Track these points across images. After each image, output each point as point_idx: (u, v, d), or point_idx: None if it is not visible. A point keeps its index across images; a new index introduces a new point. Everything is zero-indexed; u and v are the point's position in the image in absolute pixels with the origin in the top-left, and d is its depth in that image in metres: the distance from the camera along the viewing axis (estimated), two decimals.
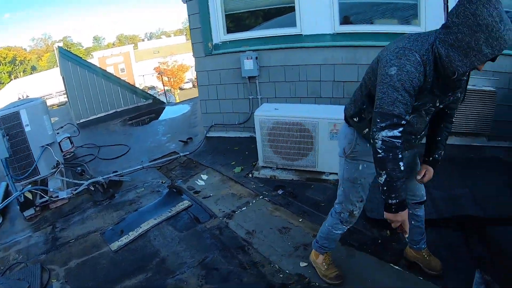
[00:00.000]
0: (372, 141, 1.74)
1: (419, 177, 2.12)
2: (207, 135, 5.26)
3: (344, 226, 2.35)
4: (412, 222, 2.28)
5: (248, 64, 4.78)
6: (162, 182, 4.24)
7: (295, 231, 3.02)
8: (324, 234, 2.46)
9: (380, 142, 1.69)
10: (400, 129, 1.68)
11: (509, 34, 1.42)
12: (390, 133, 1.67)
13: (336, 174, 2.58)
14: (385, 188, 1.77)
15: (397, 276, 2.56)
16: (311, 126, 3.64)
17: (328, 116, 3.63)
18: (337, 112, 3.66)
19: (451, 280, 2.48)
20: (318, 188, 3.63)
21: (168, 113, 7.80)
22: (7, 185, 4.54)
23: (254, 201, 3.55)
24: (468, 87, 4.14)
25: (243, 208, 3.43)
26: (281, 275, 2.60)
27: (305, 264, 2.68)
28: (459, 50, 1.53)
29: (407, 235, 2.00)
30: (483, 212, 3.00)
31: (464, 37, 1.48)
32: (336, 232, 2.40)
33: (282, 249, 2.85)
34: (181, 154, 4.81)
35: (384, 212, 1.85)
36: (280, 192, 3.67)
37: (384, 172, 1.74)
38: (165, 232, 3.21)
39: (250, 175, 4.05)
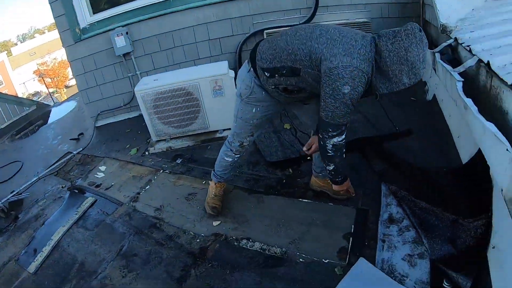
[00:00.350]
0: (321, 142, 2.03)
1: (305, 149, 2.34)
2: (96, 125, 4.98)
3: (234, 155, 2.55)
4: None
5: (120, 41, 4.52)
6: (62, 187, 3.97)
7: (201, 194, 3.04)
8: (218, 160, 2.67)
9: (330, 146, 1.99)
10: (345, 131, 1.97)
11: (423, 72, 1.74)
12: (340, 138, 1.97)
13: (230, 129, 2.64)
14: (333, 173, 2.21)
15: (308, 207, 2.70)
16: (193, 88, 3.61)
17: (207, 75, 3.61)
18: (216, 69, 3.69)
19: (360, 199, 2.67)
20: (215, 147, 3.65)
21: (55, 115, 7.23)
22: None
23: (155, 177, 3.49)
24: (342, 21, 4.37)
25: (147, 187, 3.37)
26: (198, 240, 2.63)
27: (218, 222, 2.73)
28: (384, 74, 1.77)
29: (353, 194, 2.60)
30: (376, 131, 3.29)
31: (392, 65, 1.72)
32: (227, 159, 2.61)
33: (193, 215, 2.87)
34: (74, 152, 4.53)
35: (333, 185, 2.40)
36: (178, 161, 3.65)
37: (332, 163, 2.13)
38: (77, 236, 3.05)
39: (146, 153, 3.96)
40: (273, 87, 2.09)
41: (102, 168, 3.97)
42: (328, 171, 2.23)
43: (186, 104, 3.69)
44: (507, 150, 1.33)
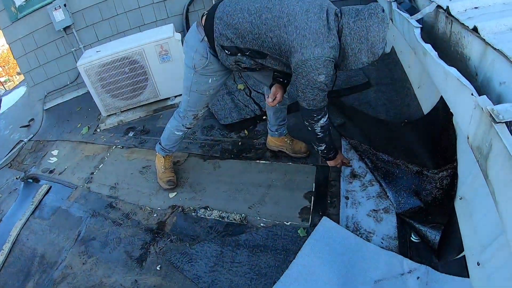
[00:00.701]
0: (309, 128, 2.02)
1: (270, 100, 2.14)
2: (45, 108, 4.69)
3: (186, 129, 2.40)
4: (277, 105, 2.31)
5: (59, 15, 4.16)
6: (16, 178, 3.74)
7: (155, 166, 2.88)
8: (166, 135, 2.50)
9: (319, 128, 1.99)
10: (327, 109, 1.95)
11: (382, 51, 1.72)
12: (325, 118, 1.97)
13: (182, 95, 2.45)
14: (325, 151, 2.17)
15: (266, 169, 2.63)
16: (137, 55, 3.38)
17: (151, 40, 3.39)
18: (160, 33, 3.46)
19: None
20: (167, 115, 3.45)
21: (6, 104, 6.78)
22: None
23: (108, 154, 3.31)
24: None
25: (100, 166, 3.20)
26: (155, 215, 2.54)
27: (174, 193, 2.62)
28: (343, 51, 1.74)
29: (351, 165, 2.48)
30: (334, 85, 3.12)
31: (352, 43, 1.69)
32: (178, 133, 2.45)
33: (149, 189, 2.75)
34: (25, 140, 4.27)
35: (328, 162, 2.31)
36: (131, 134, 3.47)
37: (323, 143, 2.10)
38: (35, 227, 2.89)
39: (98, 130, 3.75)
40: (233, 64, 1.97)
41: (55, 152, 3.75)
42: (319, 152, 2.21)
43: (133, 74, 3.47)
44: (472, 94, 1.23)
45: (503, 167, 1.00)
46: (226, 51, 1.90)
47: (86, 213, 2.75)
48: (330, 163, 2.32)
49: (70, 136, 3.89)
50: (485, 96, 1.17)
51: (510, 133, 1.01)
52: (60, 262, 2.46)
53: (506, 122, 1.04)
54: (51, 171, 3.48)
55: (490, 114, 1.07)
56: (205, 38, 1.95)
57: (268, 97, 2.15)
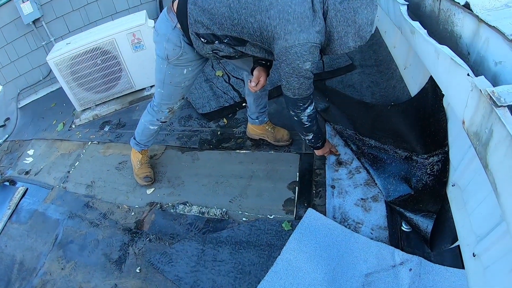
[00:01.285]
0: (295, 118, 1.91)
1: (253, 84, 1.97)
2: (19, 106, 4.52)
3: (161, 123, 2.27)
4: (258, 92, 2.19)
5: (27, 8, 3.95)
6: None
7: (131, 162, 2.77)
8: (140, 130, 2.38)
9: (306, 117, 1.88)
10: (313, 97, 1.84)
11: (369, 35, 1.60)
12: (312, 107, 1.86)
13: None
14: (312, 141, 2.08)
15: (247, 159, 2.52)
16: (109, 46, 3.20)
17: (123, 28, 3.21)
18: (132, 21, 3.32)
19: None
20: (143, 106, 3.33)
21: None
22: None
23: (84, 151, 3.17)
24: None
25: (76, 164, 3.06)
26: (133, 213, 2.42)
27: (152, 189, 2.51)
28: (328, 35, 1.61)
29: (339, 154, 2.38)
30: (316, 68, 3.04)
31: (338, 26, 1.56)
32: (152, 128, 2.32)
33: (126, 186, 2.63)
34: (0, 141, 4.11)
35: (315, 151, 2.23)
36: (106, 129, 3.33)
37: (310, 133, 2.01)
38: (12, 233, 2.77)
39: (73, 126, 3.60)
40: (210, 52, 1.82)
41: (30, 152, 3.59)
42: (307, 141, 2.13)
43: (105, 65, 3.30)
44: (468, 75, 1.13)
45: (507, 156, 0.90)
46: (202, 39, 1.74)
47: (63, 215, 2.63)
48: (317, 152, 2.23)
49: (46, 134, 3.73)
50: (482, 76, 1.08)
51: None
52: (39, 269, 2.35)
53: (508, 106, 0.94)
54: (27, 172, 3.34)
55: (490, 97, 0.97)
56: (178, 25, 1.78)
57: (250, 82, 1.98)
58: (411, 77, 2.47)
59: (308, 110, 1.85)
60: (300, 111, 1.85)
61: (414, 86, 2.38)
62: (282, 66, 1.62)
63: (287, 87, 1.72)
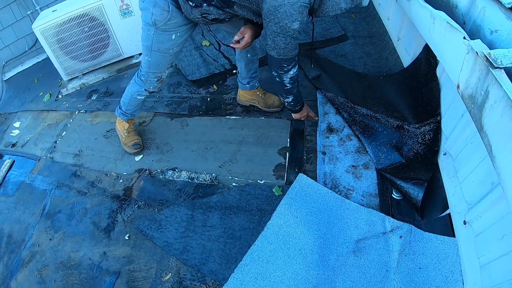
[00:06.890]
0: (277, 79, 1.87)
1: (236, 38, 1.91)
2: (4, 78, 4.40)
3: (149, 93, 2.21)
4: (248, 55, 2.19)
5: None
6: None
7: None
8: (127, 100, 2.31)
9: (288, 79, 1.85)
10: (297, 59, 1.81)
11: None
12: (295, 69, 1.83)
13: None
14: (292, 103, 2.05)
15: (237, 125, 2.48)
16: (97, 12, 3.09)
17: None
18: None
19: None
20: (132, 74, 3.22)
21: None
22: None
23: (71, 120, 3.10)
24: None
25: (63, 133, 2.99)
26: (121, 180, 2.38)
27: (140, 156, 2.46)
28: None
29: (316, 118, 2.33)
30: (308, 37, 3.01)
31: None
32: (140, 97, 2.27)
33: (114, 153, 2.58)
34: None
35: (292, 114, 2.20)
36: (94, 97, 3.25)
37: (290, 95, 1.98)
38: (0, 206, 2.72)
39: (60, 96, 3.51)
40: (199, 16, 1.78)
41: (17, 124, 3.51)
42: (286, 103, 2.10)
43: (93, 32, 3.19)
44: (464, 38, 1.14)
45: (503, 117, 0.89)
46: (190, 3, 1.70)
47: (51, 185, 2.58)
48: (295, 115, 2.21)
49: (32, 105, 3.64)
50: (479, 40, 1.07)
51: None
52: (27, 240, 2.32)
53: (504, 68, 0.94)
54: (13, 145, 3.27)
55: (487, 59, 0.97)
56: None
57: (235, 36, 1.93)
58: (404, 48, 2.45)
59: (291, 72, 1.83)
60: (283, 72, 1.82)
61: (407, 58, 2.36)
62: (270, 25, 1.59)
63: (273, 46, 1.68)
